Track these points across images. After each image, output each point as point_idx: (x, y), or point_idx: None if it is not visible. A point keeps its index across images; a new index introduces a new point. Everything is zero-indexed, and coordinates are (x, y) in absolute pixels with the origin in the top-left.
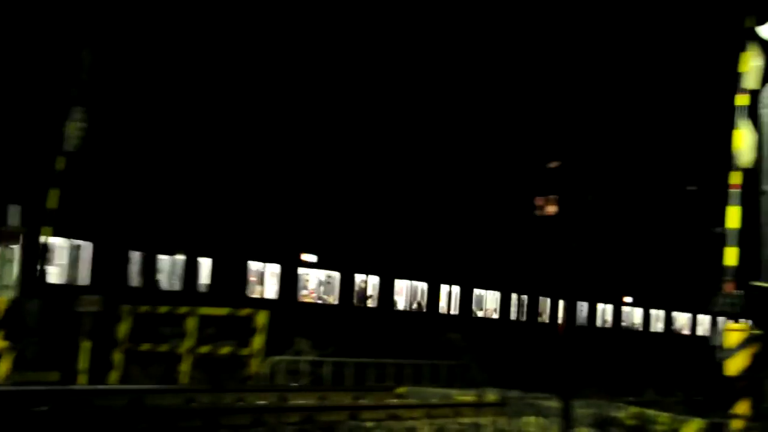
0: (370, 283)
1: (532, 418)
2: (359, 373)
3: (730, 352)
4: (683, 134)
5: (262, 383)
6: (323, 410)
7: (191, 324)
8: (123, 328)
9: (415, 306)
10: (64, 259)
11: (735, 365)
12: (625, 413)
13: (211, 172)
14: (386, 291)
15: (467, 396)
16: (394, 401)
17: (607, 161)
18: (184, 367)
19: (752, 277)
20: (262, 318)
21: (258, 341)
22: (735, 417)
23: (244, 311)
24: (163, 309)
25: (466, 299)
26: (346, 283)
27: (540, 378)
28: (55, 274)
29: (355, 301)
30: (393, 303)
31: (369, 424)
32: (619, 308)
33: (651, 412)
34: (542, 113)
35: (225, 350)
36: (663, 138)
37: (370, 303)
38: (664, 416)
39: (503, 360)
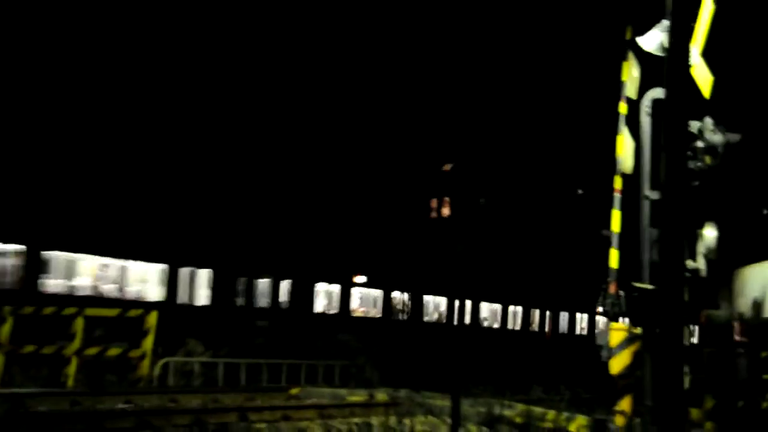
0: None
1: (421, 417)
2: (254, 374)
3: (614, 351)
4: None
5: (153, 385)
6: (213, 412)
7: (79, 325)
8: (5, 330)
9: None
10: None
11: (618, 364)
12: (513, 411)
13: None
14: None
15: (359, 396)
16: (286, 402)
17: (500, 165)
18: (71, 369)
19: (636, 279)
20: (152, 318)
21: (148, 342)
22: (618, 413)
23: (135, 311)
24: (48, 310)
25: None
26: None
27: (432, 377)
28: None
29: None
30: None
31: (260, 425)
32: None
33: (538, 409)
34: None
35: (114, 352)
36: (556, 142)
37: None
38: (550, 413)
39: (397, 360)
